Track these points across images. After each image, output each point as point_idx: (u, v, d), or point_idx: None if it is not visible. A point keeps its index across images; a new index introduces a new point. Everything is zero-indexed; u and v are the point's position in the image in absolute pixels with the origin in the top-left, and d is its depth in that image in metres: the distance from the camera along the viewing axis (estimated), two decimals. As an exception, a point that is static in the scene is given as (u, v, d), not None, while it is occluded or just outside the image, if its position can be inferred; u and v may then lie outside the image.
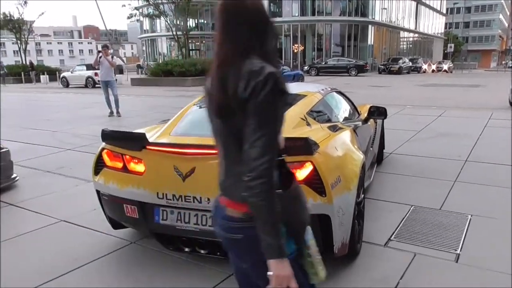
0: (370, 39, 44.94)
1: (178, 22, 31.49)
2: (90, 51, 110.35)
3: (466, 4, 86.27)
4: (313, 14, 42.10)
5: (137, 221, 3.03)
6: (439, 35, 68.82)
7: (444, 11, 71.55)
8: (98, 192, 3.27)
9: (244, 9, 1.40)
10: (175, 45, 39.26)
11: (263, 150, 1.30)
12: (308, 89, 4.13)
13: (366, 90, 19.50)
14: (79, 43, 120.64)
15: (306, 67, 35.79)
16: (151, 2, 33.56)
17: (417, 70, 40.91)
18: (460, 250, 3.27)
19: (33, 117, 12.06)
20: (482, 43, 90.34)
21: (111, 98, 11.62)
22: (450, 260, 3.14)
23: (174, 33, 31.55)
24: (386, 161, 6.03)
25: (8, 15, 38.21)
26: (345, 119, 4.25)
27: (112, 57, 12.32)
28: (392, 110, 10.93)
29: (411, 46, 58.20)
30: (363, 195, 3.41)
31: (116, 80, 12.41)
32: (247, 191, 1.32)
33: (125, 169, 3.00)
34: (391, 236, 3.55)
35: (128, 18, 39.08)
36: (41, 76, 32.74)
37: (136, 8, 38.01)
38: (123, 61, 43.07)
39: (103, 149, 3.16)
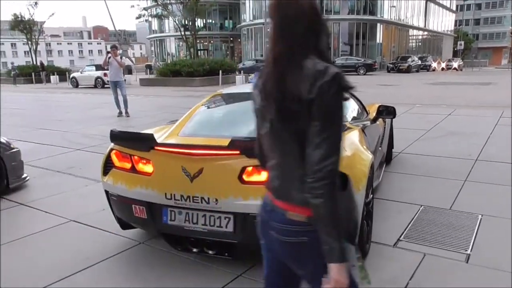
0: (379, 38, 44.67)
1: (186, 22, 31.54)
2: (100, 51, 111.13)
3: (477, 1, 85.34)
4: (321, 13, 41.89)
5: (145, 222, 3.04)
6: (449, 32, 68.20)
7: (454, 8, 70.88)
8: (107, 192, 3.29)
9: (299, 6, 1.38)
10: (183, 45, 39.35)
11: (329, 151, 1.28)
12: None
13: (374, 89, 19.39)
14: (88, 43, 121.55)
15: (314, 66, 35.63)
16: (159, 3, 33.68)
17: (426, 68, 40.58)
18: (471, 251, 3.24)
19: (44, 118, 12.18)
20: (493, 40, 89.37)
21: (120, 98, 11.69)
22: (461, 261, 3.10)
23: (183, 33, 31.63)
24: (395, 161, 5.99)
25: (19, 16, 38.63)
26: (354, 118, 4.23)
27: (121, 58, 12.41)
28: (401, 109, 10.86)
29: (420, 44, 57.73)
30: (372, 195, 3.40)
31: (125, 80, 12.47)
32: (310, 193, 1.30)
33: (133, 169, 3.02)
34: (400, 236, 3.53)
35: (137, 18, 39.24)
36: (51, 77, 33.07)
37: (145, 9, 38.17)
38: (132, 61, 43.29)
39: (111, 149, 3.18)
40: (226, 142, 2.63)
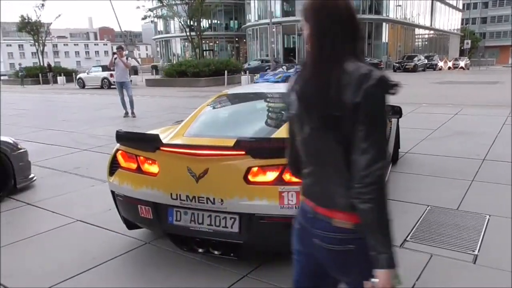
0: (385, 37, 44.52)
1: (191, 23, 31.61)
2: (106, 52, 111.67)
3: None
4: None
5: (151, 222, 3.05)
6: (455, 31, 67.82)
7: (461, 7, 70.49)
8: (113, 192, 3.30)
9: (337, 8, 1.36)
10: (189, 45, 39.47)
11: (376, 156, 1.27)
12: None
13: (381, 88, 19.27)
14: (95, 44, 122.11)
15: (320, 66, 35.56)
16: (164, 4, 33.78)
17: (432, 67, 40.36)
18: (478, 251, 3.21)
19: (51, 118, 12.25)
20: (500, 39, 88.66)
21: (126, 99, 11.73)
22: (468, 261, 3.08)
23: (188, 34, 31.71)
24: (401, 161, 5.96)
25: (26, 18, 38.92)
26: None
27: (127, 58, 12.45)
28: (407, 108, 10.80)
29: (426, 43, 57.46)
30: (378, 195, 3.37)
31: (131, 81, 12.53)
32: (358, 198, 1.28)
33: (139, 170, 3.02)
34: (407, 237, 3.51)
35: (142, 19, 39.37)
36: (58, 78, 33.28)
37: (150, 10, 38.30)
38: (138, 62, 43.46)
39: (117, 150, 3.19)
40: (231, 143, 2.63)
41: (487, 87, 19.59)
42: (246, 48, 51.68)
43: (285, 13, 43.11)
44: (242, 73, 27.33)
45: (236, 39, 54.85)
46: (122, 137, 3.12)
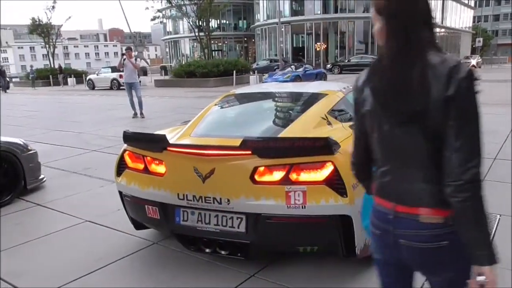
0: (395, 36, 44.15)
1: (200, 23, 31.68)
2: (115, 53, 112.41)
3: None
4: (336, 12, 41.62)
5: (158, 222, 3.06)
6: (466, 29, 67.03)
7: (472, 4, 69.66)
8: (120, 193, 3.32)
9: None
10: (197, 46, 39.56)
11: (472, 152, 1.24)
12: (329, 88, 4.08)
13: (390, 87, 19.15)
14: (104, 46, 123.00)
15: (329, 66, 35.47)
16: (173, 4, 33.91)
17: (443, 66, 39.96)
18: (488, 251, 3.16)
19: (61, 119, 12.36)
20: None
21: (135, 99, 11.79)
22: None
23: (197, 34, 31.80)
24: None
25: (37, 20, 39.33)
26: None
27: (136, 59, 12.51)
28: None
29: (437, 41, 56.73)
30: (386, 195, 3.34)
31: (140, 81, 12.58)
32: (455, 197, 1.25)
33: (146, 170, 3.03)
34: (415, 237, 3.47)
35: (152, 20, 39.58)
36: (69, 79, 33.57)
37: (159, 11, 38.48)
38: (147, 63, 43.67)
39: (125, 150, 3.20)
40: (238, 142, 2.63)
41: (498, 85, 19.35)
42: (255, 48, 51.67)
43: (294, 13, 43.00)
44: (251, 73, 27.32)
45: (245, 39, 54.87)
46: (129, 138, 3.13)
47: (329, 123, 3.33)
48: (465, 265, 1.30)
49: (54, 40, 40.86)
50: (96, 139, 8.56)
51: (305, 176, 2.63)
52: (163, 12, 40.92)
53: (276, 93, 4.39)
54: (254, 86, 10.58)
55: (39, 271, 3.18)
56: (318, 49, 42.60)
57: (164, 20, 47.13)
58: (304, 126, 3.19)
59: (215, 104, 4.00)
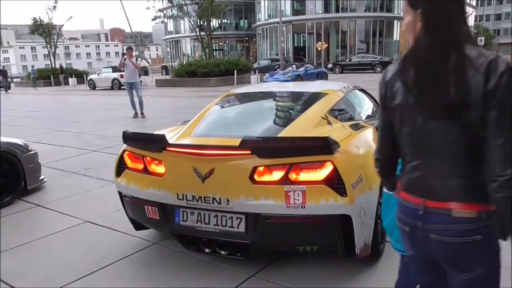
0: (396, 35, 44.10)
1: (201, 23, 31.68)
2: (117, 53, 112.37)
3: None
4: (337, 11, 41.59)
5: (158, 222, 3.05)
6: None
7: (474, 3, 69.53)
8: (120, 193, 3.31)
9: None
10: (198, 45, 39.56)
11: None
12: (329, 88, 4.06)
13: (391, 86, 19.13)
14: (105, 45, 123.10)
15: (330, 65, 35.41)
16: (174, 4, 33.91)
17: (444, 65, 39.89)
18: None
19: (62, 120, 12.37)
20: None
21: (136, 99, 11.78)
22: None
23: (198, 33, 31.80)
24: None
25: (39, 20, 39.37)
26: (368, 117, 4.17)
27: (137, 59, 12.51)
28: (418, 106, 10.70)
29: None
30: (386, 195, 3.34)
31: (141, 81, 12.58)
32: (502, 191, 1.24)
33: (145, 170, 3.03)
34: (416, 236, 3.46)
35: (153, 20, 39.57)
36: (70, 79, 33.61)
37: (160, 10, 38.48)
38: (148, 62, 43.71)
39: (124, 150, 3.20)
40: (237, 142, 2.62)
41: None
42: (256, 48, 51.64)
43: (295, 12, 42.96)
44: (252, 72, 27.31)
45: (246, 38, 54.84)
46: (129, 138, 3.12)
47: (329, 123, 3.32)
48: (497, 261, 1.32)
49: (55, 40, 40.92)
50: (96, 139, 8.56)
51: (304, 175, 2.62)
52: (164, 12, 40.90)
53: (276, 93, 4.38)
54: (254, 85, 10.57)
55: (39, 272, 3.18)
56: (319, 48, 42.57)
57: (165, 20, 47.10)
58: (304, 126, 3.18)
59: (215, 104, 3.99)
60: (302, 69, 23.15)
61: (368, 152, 3.14)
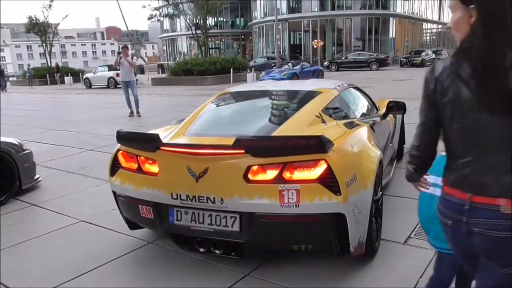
0: (392, 32, 44.14)
1: (197, 21, 31.59)
2: (113, 52, 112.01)
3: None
4: (333, 9, 41.57)
5: (152, 222, 3.04)
6: (463, 25, 67.09)
7: (469, 0, 69.60)
8: (114, 193, 3.31)
9: None
10: (195, 44, 39.47)
11: None
12: (323, 86, 4.07)
13: (387, 84, 19.19)
14: (102, 44, 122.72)
15: (326, 63, 35.43)
16: (170, 2, 33.80)
17: (441, 62, 39.94)
18: (483, 248, 3.17)
19: (57, 119, 12.33)
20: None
21: (131, 98, 11.76)
22: (472, 259, 3.04)
23: (194, 32, 31.72)
24: (407, 157, 5.89)
25: (34, 19, 39.16)
26: (363, 115, 4.18)
27: (132, 58, 12.48)
28: (413, 103, 10.68)
29: (434, 37, 56.96)
30: (381, 192, 3.35)
31: (137, 80, 12.54)
32: None
33: (140, 170, 3.02)
34: (411, 234, 3.47)
35: (149, 19, 39.42)
36: (66, 78, 33.50)
37: (156, 9, 38.35)
38: (144, 61, 43.55)
39: (118, 150, 3.19)
40: (231, 141, 2.61)
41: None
42: (252, 46, 51.58)
43: (291, 10, 42.92)
44: (248, 70, 27.29)
45: (242, 36, 54.76)
46: (123, 137, 3.11)
47: (323, 121, 3.32)
48: None
49: (51, 39, 40.72)
50: (92, 138, 8.54)
51: (298, 174, 2.62)
52: (160, 10, 40.78)
53: (270, 91, 4.38)
54: (248, 84, 10.56)
55: (33, 272, 3.17)
56: (315, 46, 42.57)
57: (161, 18, 46.94)
58: (298, 125, 3.18)
59: (209, 103, 3.98)
60: (298, 67, 23.14)
61: (362, 151, 3.16)
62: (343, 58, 36.16)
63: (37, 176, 5.27)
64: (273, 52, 38.17)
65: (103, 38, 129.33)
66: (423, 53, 37.91)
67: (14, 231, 3.95)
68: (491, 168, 1.40)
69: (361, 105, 4.46)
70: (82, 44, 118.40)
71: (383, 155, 3.58)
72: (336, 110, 3.73)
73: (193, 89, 21.15)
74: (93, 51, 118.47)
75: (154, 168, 2.93)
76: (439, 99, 1.47)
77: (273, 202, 2.60)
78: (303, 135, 2.87)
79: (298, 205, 2.57)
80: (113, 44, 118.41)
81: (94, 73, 28.60)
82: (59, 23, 42.53)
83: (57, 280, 3.00)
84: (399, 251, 3.22)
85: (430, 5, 52.49)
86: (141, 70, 30.87)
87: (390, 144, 4.74)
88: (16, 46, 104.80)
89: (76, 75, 34.27)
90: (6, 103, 17.78)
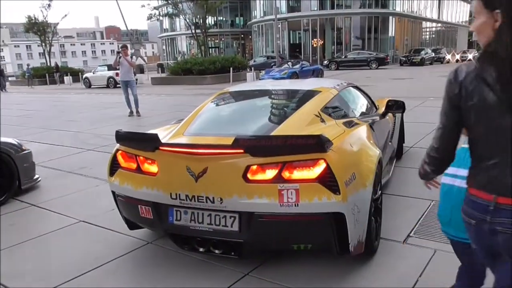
0: (391, 31, 44.12)
1: (197, 21, 31.57)
2: (112, 51, 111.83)
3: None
4: (332, 8, 41.55)
5: (151, 222, 3.04)
6: (463, 23, 66.98)
7: (469, -1, 69.66)
8: (113, 193, 3.31)
9: None
10: (194, 43, 39.45)
11: None
12: (323, 85, 4.07)
13: (387, 83, 19.20)
14: (101, 43, 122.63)
15: (325, 62, 35.43)
16: (169, 1, 33.77)
17: (440, 60, 39.90)
18: (483, 247, 3.17)
19: (57, 119, 12.33)
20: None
21: (131, 98, 11.75)
22: (472, 258, 3.04)
23: (193, 31, 31.69)
24: (406, 155, 5.91)
25: (33, 19, 39.12)
26: (362, 114, 4.18)
27: (132, 57, 12.46)
28: (413, 102, 10.73)
29: (434, 36, 56.88)
30: (380, 191, 3.35)
31: (136, 80, 12.54)
32: None
33: (139, 170, 3.02)
34: (410, 232, 3.47)
35: (148, 19, 39.37)
36: (65, 77, 33.49)
37: (155, 8, 38.30)
38: (144, 60, 43.54)
39: (117, 150, 3.19)
40: (230, 141, 2.61)
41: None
42: (251, 45, 51.55)
43: (290, 9, 42.90)
44: (248, 70, 27.28)
45: (242, 35, 54.74)
46: (122, 137, 3.11)
47: (323, 121, 3.32)
48: None
49: (50, 38, 40.67)
50: (92, 138, 8.54)
51: (297, 174, 2.62)
52: (160, 10, 40.74)
53: (269, 91, 4.38)
54: (248, 83, 10.55)
55: (33, 272, 3.17)
56: (315, 45, 42.55)
57: (161, 18, 46.92)
58: (297, 124, 3.18)
59: (209, 102, 3.98)
60: (297, 66, 23.13)
61: (361, 150, 3.16)
62: (343, 57, 36.17)
63: (36, 176, 5.27)
64: (272, 51, 38.16)
65: (102, 38, 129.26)
66: (423, 52, 37.91)
67: (13, 231, 3.95)
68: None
69: (360, 104, 4.46)
70: (81, 44, 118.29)
71: (382, 154, 3.59)
72: (335, 109, 3.73)
73: (193, 88, 21.14)
74: (92, 51, 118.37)
75: (153, 168, 2.92)
76: (464, 103, 1.50)
77: (272, 201, 2.60)
78: (302, 134, 2.87)
79: (297, 204, 2.57)
80: (113, 43, 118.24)
81: (93, 73, 28.57)
82: (58, 23, 42.43)
83: (56, 280, 3.00)
84: (398, 250, 3.22)
85: (429, 3, 52.45)
86: (140, 69, 30.88)
87: (390, 143, 4.74)
88: (15, 46, 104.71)
89: (76, 74, 34.24)
90: (5, 103, 17.77)
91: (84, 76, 29.35)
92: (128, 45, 14.10)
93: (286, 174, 2.62)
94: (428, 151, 1.72)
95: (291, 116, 3.33)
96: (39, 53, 72.16)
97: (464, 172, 1.68)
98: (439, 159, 1.69)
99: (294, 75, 20.80)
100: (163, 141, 2.95)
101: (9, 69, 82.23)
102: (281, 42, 41.05)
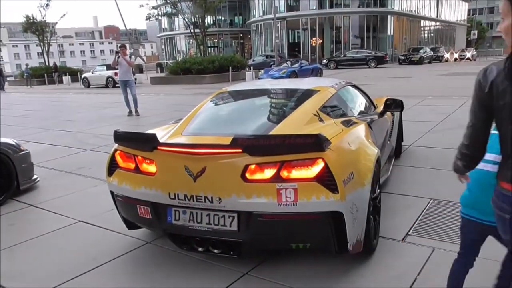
0: (390, 30, 44.14)
1: (195, 20, 31.53)
2: (111, 51, 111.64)
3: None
4: (331, 7, 41.57)
5: (150, 222, 3.04)
6: (461, 22, 67.02)
7: (467, -3, 69.64)
8: (112, 193, 3.30)
9: None
10: (193, 42, 39.41)
11: None
12: (321, 84, 4.07)
13: (385, 81, 19.20)
14: (100, 43, 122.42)
15: (324, 61, 35.44)
16: (168, 1, 33.72)
17: (439, 59, 39.98)
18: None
19: (56, 119, 12.31)
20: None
21: (130, 97, 11.74)
22: (470, 256, 3.04)
23: (192, 31, 31.66)
24: (405, 154, 5.91)
25: (31, 18, 39.05)
26: (360, 113, 4.18)
27: (130, 57, 12.45)
28: (412, 101, 10.73)
29: (432, 34, 56.89)
30: (379, 190, 3.35)
31: (135, 79, 12.52)
32: None
33: (137, 170, 3.01)
34: (409, 231, 3.48)
35: (147, 18, 39.29)
36: (64, 77, 33.45)
37: (154, 8, 38.23)
38: (143, 60, 43.48)
39: (115, 150, 3.18)
40: (228, 141, 2.61)
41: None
42: (250, 44, 51.55)
43: (289, 8, 42.91)
44: (247, 69, 27.26)
45: (241, 35, 54.72)
46: (120, 137, 3.11)
47: (321, 120, 3.32)
48: None
49: (48, 38, 40.60)
50: (90, 138, 8.53)
51: (296, 173, 2.62)
52: (158, 9, 40.68)
53: (268, 90, 4.38)
54: (246, 83, 10.54)
55: (32, 272, 3.17)
56: (314, 44, 42.54)
57: (160, 17, 46.87)
58: (295, 123, 3.18)
59: (207, 102, 3.98)
60: (296, 65, 23.12)
61: (359, 149, 3.16)
62: (342, 56, 36.19)
63: (35, 176, 5.26)
64: (271, 51, 38.15)
65: (101, 37, 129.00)
66: (421, 51, 37.98)
67: (12, 232, 3.95)
68: None
69: (358, 103, 4.46)
70: (80, 44, 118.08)
71: (381, 153, 3.59)
72: (334, 108, 3.73)
73: (192, 88, 21.14)
74: (91, 50, 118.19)
75: (152, 168, 2.92)
76: (495, 102, 1.54)
77: (270, 201, 2.60)
78: (300, 133, 2.87)
79: (296, 203, 2.57)
80: (112, 43, 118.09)
81: (92, 73, 28.54)
82: (56, 22, 42.36)
83: (55, 280, 3.00)
84: (397, 249, 3.22)
85: (428, 2, 52.44)
86: (139, 69, 30.86)
87: (388, 142, 4.74)
88: (13, 46, 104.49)
89: (74, 74, 34.20)
90: (4, 103, 17.75)
91: (83, 76, 29.33)
92: (127, 45, 14.07)
93: (284, 174, 2.61)
94: (460, 147, 1.79)
95: (289, 116, 3.33)
96: (38, 53, 72.00)
97: (491, 157, 1.74)
98: (469, 155, 1.76)
99: (293, 74, 20.80)
100: (161, 141, 2.95)
101: (8, 69, 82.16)
102: (280, 41, 41.06)
